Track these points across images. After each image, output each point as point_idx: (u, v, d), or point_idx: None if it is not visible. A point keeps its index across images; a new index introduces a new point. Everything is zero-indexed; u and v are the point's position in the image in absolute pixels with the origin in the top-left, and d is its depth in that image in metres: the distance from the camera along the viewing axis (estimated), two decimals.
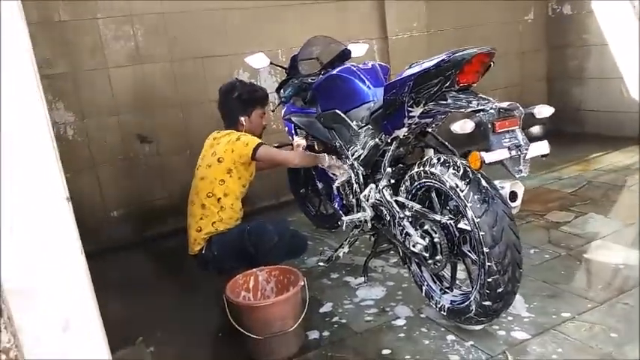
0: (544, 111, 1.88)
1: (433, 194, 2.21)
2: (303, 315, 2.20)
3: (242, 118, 2.72)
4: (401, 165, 2.45)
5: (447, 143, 2.38)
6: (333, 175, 2.76)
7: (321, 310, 2.52)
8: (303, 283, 2.20)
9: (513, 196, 1.99)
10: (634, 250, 2.74)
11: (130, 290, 3.09)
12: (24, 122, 0.84)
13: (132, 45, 3.69)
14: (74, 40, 3.51)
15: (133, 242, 3.80)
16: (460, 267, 2.29)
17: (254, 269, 2.39)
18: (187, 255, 2.75)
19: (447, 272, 2.29)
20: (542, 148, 1.86)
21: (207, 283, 2.83)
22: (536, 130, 5.16)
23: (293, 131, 3.21)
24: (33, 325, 0.84)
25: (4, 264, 0.80)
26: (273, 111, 3.68)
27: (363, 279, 2.75)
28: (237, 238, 2.55)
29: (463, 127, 1.81)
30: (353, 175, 2.64)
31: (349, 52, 3.12)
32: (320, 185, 3.26)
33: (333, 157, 2.75)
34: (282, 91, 3.21)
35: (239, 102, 2.71)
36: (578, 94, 5.43)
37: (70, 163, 3.60)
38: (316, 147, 3.04)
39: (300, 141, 3.07)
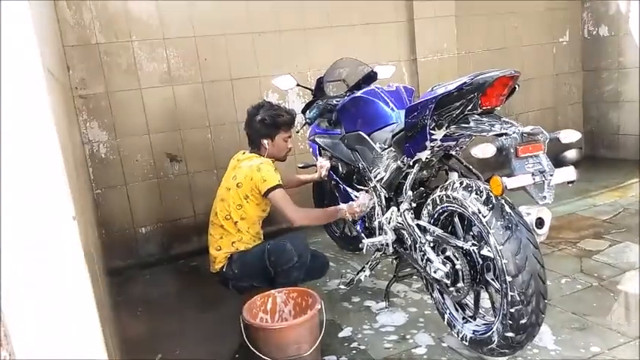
0: (570, 136, 1.82)
1: (456, 219, 2.16)
2: (320, 339, 2.16)
3: (265, 142, 2.70)
4: (423, 188, 2.42)
5: (471, 167, 2.33)
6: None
7: (340, 335, 2.48)
8: (320, 307, 2.16)
9: (540, 222, 1.91)
10: None
11: (153, 307, 3.13)
12: (32, 141, 0.85)
13: (164, 67, 3.79)
14: (109, 62, 3.64)
15: (160, 259, 3.87)
16: (484, 295, 2.22)
17: (272, 290, 2.37)
18: (210, 273, 2.76)
19: (470, 300, 2.22)
20: (568, 174, 1.79)
21: (228, 302, 2.83)
22: (571, 154, 5.03)
23: (317, 152, 3.22)
24: (32, 346, 0.85)
25: (5, 281, 0.81)
26: (298, 132, 3.70)
27: (384, 304, 2.70)
28: (258, 258, 2.54)
29: (484, 151, 1.77)
30: (375, 198, 2.61)
31: (375, 74, 3.12)
32: None
33: (356, 199, 2.71)
34: (307, 112, 3.23)
35: (262, 125, 2.67)
36: (615, 118, 5.26)
37: (102, 180, 3.72)
38: (340, 168, 3.03)
39: (324, 162, 3.07)
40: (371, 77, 3.11)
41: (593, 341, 2.18)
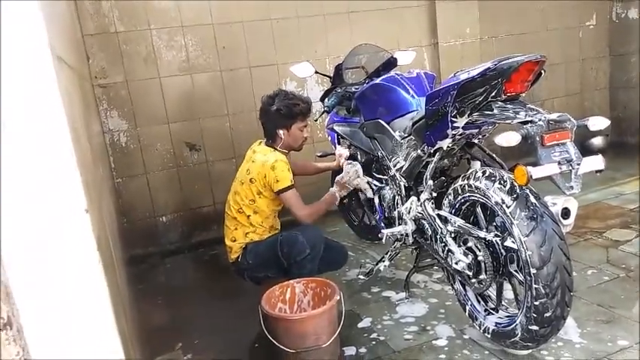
0: (598, 123, 1.74)
1: (478, 209, 2.10)
2: (339, 330, 2.14)
3: (280, 132, 2.64)
4: (444, 178, 2.36)
5: (494, 156, 2.27)
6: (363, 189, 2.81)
7: (360, 325, 2.45)
8: (338, 298, 2.14)
9: (566, 213, 1.86)
10: None
11: (174, 296, 3.16)
12: (44, 133, 0.84)
13: (183, 55, 3.78)
14: (129, 51, 3.64)
15: (180, 247, 3.89)
16: (507, 286, 2.17)
17: (291, 281, 2.36)
18: (229, 263, 2.76)
19: (492, 292, 2.17)
20: (596, 163, 1.72)
21: (247, 291, 2.82)
22: (597, 141, 4.88)
23: (336, 140, 3.18)
24: (46, 340, 0.84)
25: (18, 276, 0.80)
26: (316, 120, 3.66)
27: (404, 294, 2.66)
28: (271, 249, 2.53)
29: (509, 139, 1.71)
30: (395, 187, 2.57)
31: (395, 60, 3.05)
32: (362, 196, 3.20)
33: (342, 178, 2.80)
34: (326, 99, 3.19)
35: (278, 115, 2.61)
36: None
37: (122, 169, 3.74)
38: (359, 157, 2.99)
39: (342, 150, 3.03)
40: (391, 63, 3.04)
41: (620, 334, 2.12)
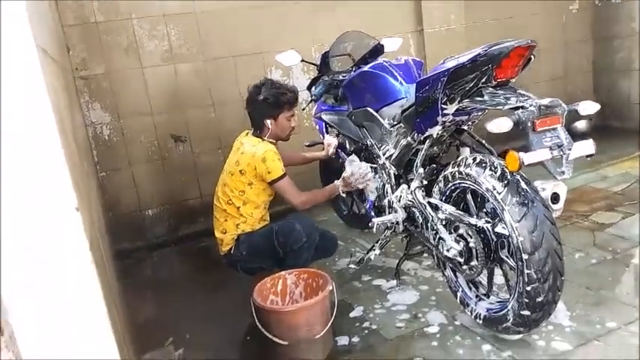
0: (589, 107, 1.75)
1: (469, 196, 2.10)
2: (332, 321, 2.14)
3: (268, 122, 2.62)
4: (434, 165, 2.36)
5: (484, 142, 2.27)
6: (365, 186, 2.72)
7: (352, 315, 2.45)
8: (331, 288, 2.13)
9: (555, 198, 1.87)
10: None
11: (162, 290, 3.12)
12: (31, 129, 0.80)
13: (165, 45, 3.71)
14: (109, 41, 3.55)
15: (167, 241, 3.85)
16: (498, 272, 2.18)
17: (282, 272, 2.34)
18: (219, 255, 2.73)
19: (483, 278, 2.18)
20: (586, 147, 1.73)
21: (238, 284, 2.81)
22: (581, 125, 4.92)
23: (324, 130, 3.16)
24: (40, 342, 0.81)
25: (7, 279, 0.77)
26: (303, 109, 3.63)
27: (395, 282, 2.67)
28: (266, 239, 2.51)
29: (500, 125, 1.70)
30: (385, 176, 2.56)
31: (382, 47, 3.03)
32: None
33: (349, 172, 2.70)
34: (313, 88, 3.15)
35: (265, 105, 2.59)
36: (627, 86, 5.13)
37: (106, 162, 3.67)
38: (347, 145, 2.97)
39: (330, 140, 3.01)
40: (378, 50, 3.01)
41: (608, 316, 2.15)
